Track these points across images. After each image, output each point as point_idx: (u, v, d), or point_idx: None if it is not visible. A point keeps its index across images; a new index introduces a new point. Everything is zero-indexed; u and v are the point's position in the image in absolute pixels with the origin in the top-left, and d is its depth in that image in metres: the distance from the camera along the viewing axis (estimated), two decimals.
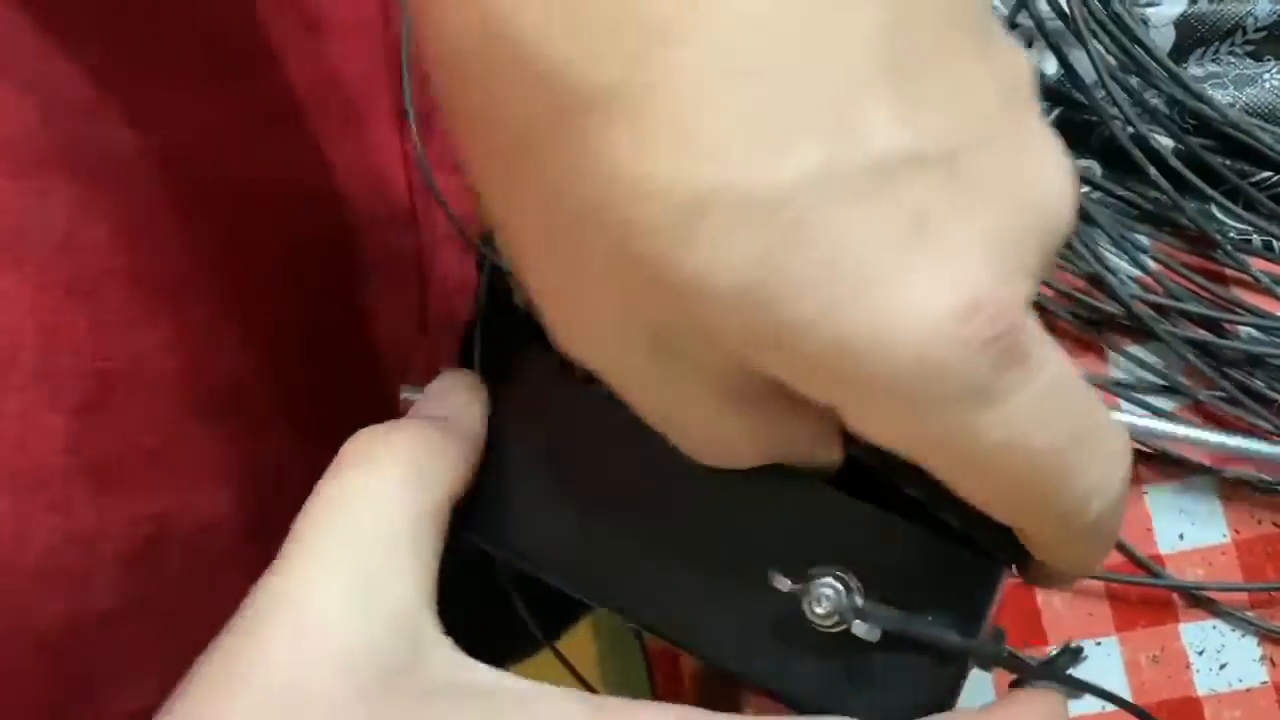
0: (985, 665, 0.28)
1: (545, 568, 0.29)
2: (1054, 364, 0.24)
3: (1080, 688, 0.28)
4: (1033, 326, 0.23)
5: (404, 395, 0.31)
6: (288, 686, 0.24)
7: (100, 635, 0.34)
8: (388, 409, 0.33)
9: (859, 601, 0.26)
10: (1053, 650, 0.29)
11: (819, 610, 0.26)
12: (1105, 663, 0.44)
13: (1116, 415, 0.46)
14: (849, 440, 0.26)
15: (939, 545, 0.26)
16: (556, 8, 0.22)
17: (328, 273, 0.36)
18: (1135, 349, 0.49)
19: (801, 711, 0.27)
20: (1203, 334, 0.48)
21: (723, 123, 0.21)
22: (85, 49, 0.30)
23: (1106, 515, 0.26)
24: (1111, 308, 0.48)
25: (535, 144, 0.23)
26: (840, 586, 0.26)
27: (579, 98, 0.22)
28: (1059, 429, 0.24)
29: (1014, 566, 0.27)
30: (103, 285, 0.31)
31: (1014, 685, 0.28)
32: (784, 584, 0.27)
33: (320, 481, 0.27)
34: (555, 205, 0.23)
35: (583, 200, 0.23)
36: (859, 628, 0.26)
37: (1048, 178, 0.24)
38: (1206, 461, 0.46)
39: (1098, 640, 0.45)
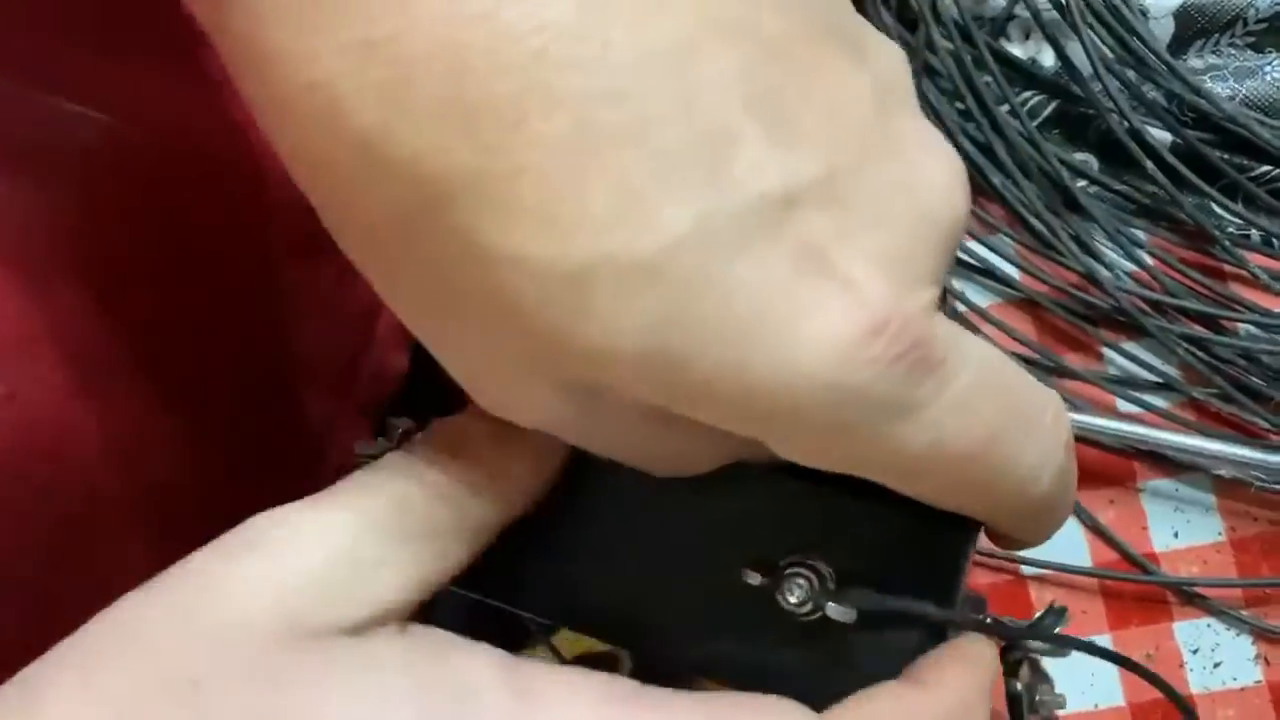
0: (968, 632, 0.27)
1: (511, 600, 0.28)
2: (973, 360, 0.23)
3: (1068, 645, 0.28)
4: (944, 329, 0.23)
5: (391, 420, 0.30)
6: (222, 607, 0.23)
7: None
8: (336, 400, 0.32)
9: (831, 586, 0.26)
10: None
11: (792, 600, 0.26)
12: (1098, 660, 0.44)
13: (1112, 422, 0.46)
14: None
15: (904, 519, 0.26)
16: (398, 103, 0.21)
17: (276, 258, 0.36)
18: (1130, 345, 0.48)
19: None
20: (1197, 330, 0.47)
21: (588, 196, 0.21)
22: (42, 32, 0.30)
23: (1057, 483, 0.25)
24: (1106, 303, 0.48)
25: (401, 233, 0.22)
26: (810, 574, 0.26)
27: (436, 190, 0.21)
28: (987, 421, 0.24)
29: (983, 530, 0.27)
30: (79, 274, 0.30)
31: (1004, 651, 0.28)
32: (755, 579, 0.27)
33: (395, 451, 0.26)
34: (436, 285, 0.23)
35: (463, 280, 0.22)
36: (834, 611, 0.26)
37: (932, 178, 0.23)
38: (1202, 459, 0.46)
39: (1091, 639, 0.45)
